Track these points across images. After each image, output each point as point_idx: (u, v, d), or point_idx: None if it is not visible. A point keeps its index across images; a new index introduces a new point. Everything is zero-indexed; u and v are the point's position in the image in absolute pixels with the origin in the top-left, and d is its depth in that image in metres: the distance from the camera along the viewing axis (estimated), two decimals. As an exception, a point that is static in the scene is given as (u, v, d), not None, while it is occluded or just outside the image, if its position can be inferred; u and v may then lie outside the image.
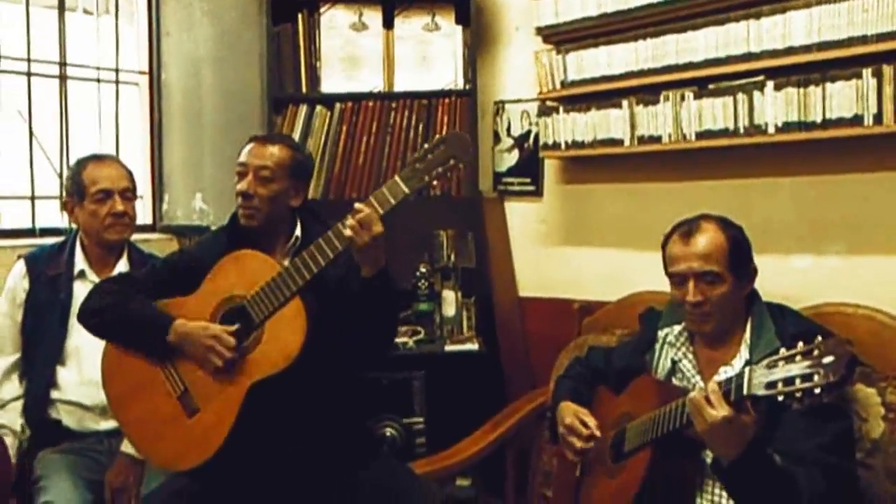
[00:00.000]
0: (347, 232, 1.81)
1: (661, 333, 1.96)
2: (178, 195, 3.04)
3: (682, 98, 2.37)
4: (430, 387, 2.73)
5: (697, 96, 2.34)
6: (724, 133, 2.29)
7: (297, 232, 2.02)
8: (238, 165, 1.99)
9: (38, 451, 2.20)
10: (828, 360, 1.37)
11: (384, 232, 1.81)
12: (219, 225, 2.29)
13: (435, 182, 1.86)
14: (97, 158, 2.34)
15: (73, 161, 2.40)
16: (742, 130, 2.25)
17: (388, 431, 2.65)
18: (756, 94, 2.21)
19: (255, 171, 1.95)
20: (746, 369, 1.50)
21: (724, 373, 1.76)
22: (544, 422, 2.35)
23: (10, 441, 2.19)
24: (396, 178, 1.85)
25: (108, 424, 2.19)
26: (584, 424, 1.94)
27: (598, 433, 1.91)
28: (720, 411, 1.50)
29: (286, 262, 1.91)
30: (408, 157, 2.82)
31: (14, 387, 2.25)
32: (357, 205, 1.83)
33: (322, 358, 1.87)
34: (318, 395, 1.94)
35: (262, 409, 1.87)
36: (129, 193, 2.30)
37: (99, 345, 2.03)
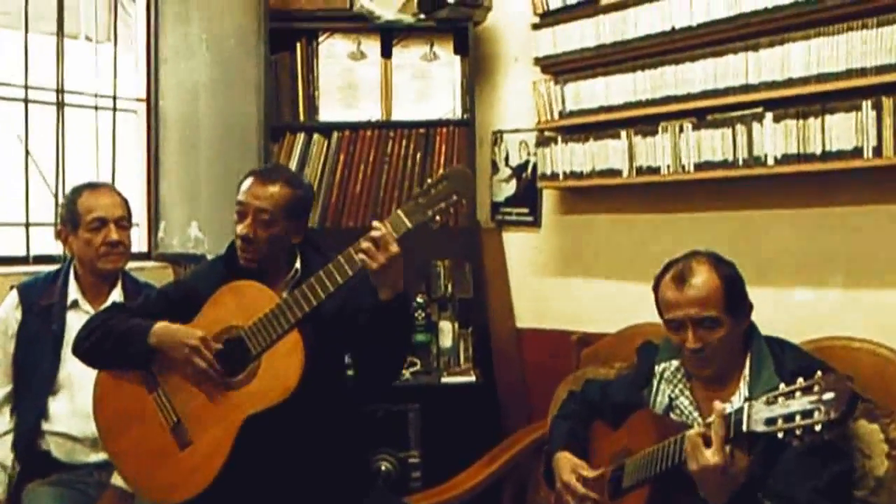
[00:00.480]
0: (360, 256, 1.79)
1: (658, 369, 1.93)
2: (174, 223, 3.02)
3: (681, 129, 2.37)
4: (426, 419, 2.68)
5: (696, 127, 2.33)
6: (722, 164, 2.27)
7: (297, 265, 1.99)
8: (237, 205, 1.96)
9: (27, 483, 2.16)
10: (828, 396, 1.34)
11: (400, 253, 1.79)
12: (215, 254, 2.27)
13: (437, 218, 1.84)
14: (92, 187, 2.32)
15: (68, 188, 2.38)
16: (741, 162, 2.24)
17: (384, 465, 2.61)
18: (755, 125, 2.20)
19: (254, 214, 1.93)
20: (745, 405, 1.47)
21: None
22: (542, 456, 2.31)
23: (0, 477, 2.15)
24: (399, 211, 1.83)
25: (99, 457, 2.15)
26: (583, 481, 1.89)
27: (595, 494, 1.86)
28: (714, 457, 1.47)
29: (284, 294, 1.89)
30: (405, 187, 2.86)
31: (5, 420, 2.22)
32: (375, 223, 1.81)
33: (319, 391, 1.84)
34: (314, 429, 1.91)
35: (257, 443, 1.84)
36: (125, 222, 2.28)
37: (92, 376, 2.01)
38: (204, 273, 2.09)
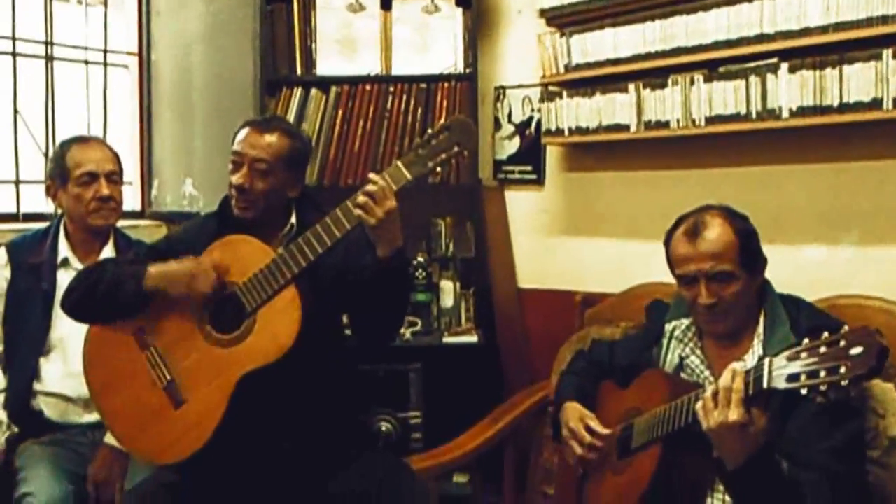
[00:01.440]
0: (357, 211, 1.73)
1: (668, 327, 1.88)
2: (168, 180, 2.96)
3: (692, 82, 2.29)
4: (427, 380, 2.65)
5: (707, 80, 2.26)
6: (735, 118, 2.20)
7: (293, 220, 1.93)
8: (233, 154, 1.89)
9: (20, 444, 2.11)
10: (856, 350, 1.28)
11: (397, 208, 1.74)
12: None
13: (438, 169, 1.78)
14: (82, 140, 2.24)
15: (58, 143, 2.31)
16: (754, 115, 2.16)
17: (384, 426, 2.57)
18: (769, 77, 2.12)
19: (250, 163, 1.86)
20: (766, 361, 1.41)
21: None
22: (545, 417, 2.27)
23: (-3, 435, 2.11)
24: (398, 162, 1.77)
25: (92, 417, 2.11)
26: (589, 430, 1.85)
27: (600, 442, 1.83)
28: (734, 416, 1.41)
29: (280, 250, 1.82)
30: (405, 144, 2.78)
31: (5, 379, 2.16)
32: (371, 175, 1.75)
33: (316, 349, 1.79)
34: (311, 387, 1.86)
35: (252, 401, 1.79)
36: (116, 177, 2.21)
37: (83, 335, 1.94)
38: (196, 229, 2.02)
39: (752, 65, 2.16)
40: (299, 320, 1.76)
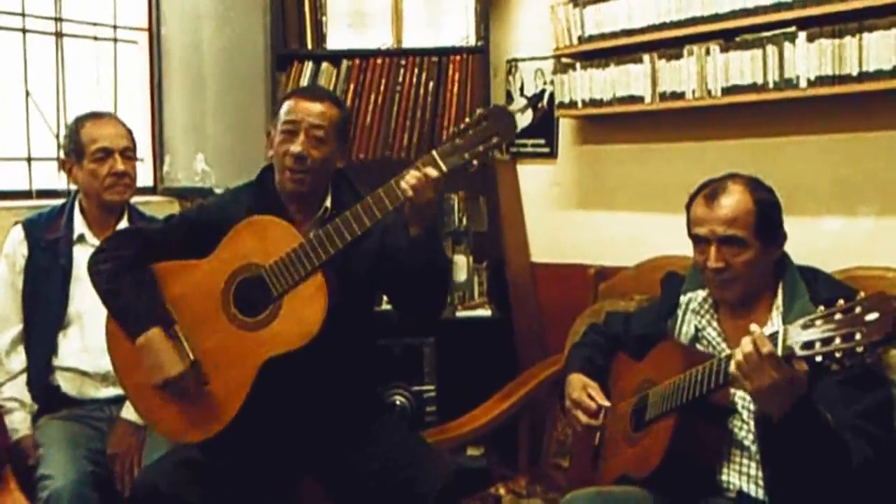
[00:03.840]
0: (410, 193, 1.69)
1: (683, 299, 1.87)
2: (180, 156, 2.95)
3: (707, 52, 2.26)
4: (441, 353, 2.66)
5: (724, 49, 2.22)
6: (752, 88, 2.17)
7: (328, 202, 1.90)
8: (286, 123, 1.84)
9: (38, 419, 2.13)
10: (871, 317, 1.27)
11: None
12: (223, 187, 2.19)
13: (475, 162, 1.75)
14: (95, 116, 2.24)
15: (70, 120, 2.30)
16: (771, 85, 2.13)
17: (398, 399, 2.58)
18: (787, 45, 2.09)
19: (307, 130, 1.82)
20: (780, 329, 1.40)
21: None
22: (558, 390, 2.28)
23: (21, 414, 2.12)
24: (434, 153, 1.74)
25: (109, 392, 2.12)
26: (592, 399, 1.85)
27: (606, 405, 1.84)
28: (778, 370, 1.36)
29: (311, 234, 1.79)
30: (417, 118, 2.76)
31: (21, 358, 2.17)
32: (436, 151, 1.73)
33: (341, 332, 1.77)
34: (334, 365, 1.86)
35: (274, 384, 1.79)
36: (130, 153, 2.21)
37: (101, 310, 1.94)
38: (229, 202, 1.97)
39: (770, 34, 2.12)
40: (326, 308, 1.74)
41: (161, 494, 1.77)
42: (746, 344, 1.41)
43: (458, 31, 2.85)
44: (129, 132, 2.24)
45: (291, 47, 2.83)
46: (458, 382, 2.58)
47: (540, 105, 2.90)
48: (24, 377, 2.16)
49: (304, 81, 2.80)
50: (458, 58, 2.80)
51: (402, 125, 2.79)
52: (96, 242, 2.16)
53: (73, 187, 2.26)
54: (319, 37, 2.84)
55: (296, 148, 1.82)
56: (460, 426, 2.33)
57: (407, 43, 2.85)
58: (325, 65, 2.82)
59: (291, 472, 1.90)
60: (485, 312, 2.74)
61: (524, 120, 2.94)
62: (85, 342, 2.13)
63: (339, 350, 1.83)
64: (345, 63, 2.82)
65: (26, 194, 2.69)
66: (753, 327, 1.43)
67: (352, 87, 2.81)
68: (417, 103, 2.79)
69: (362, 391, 1.99)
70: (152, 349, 1.82)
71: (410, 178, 1.70)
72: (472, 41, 2.83)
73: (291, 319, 1.77)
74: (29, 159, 2.75)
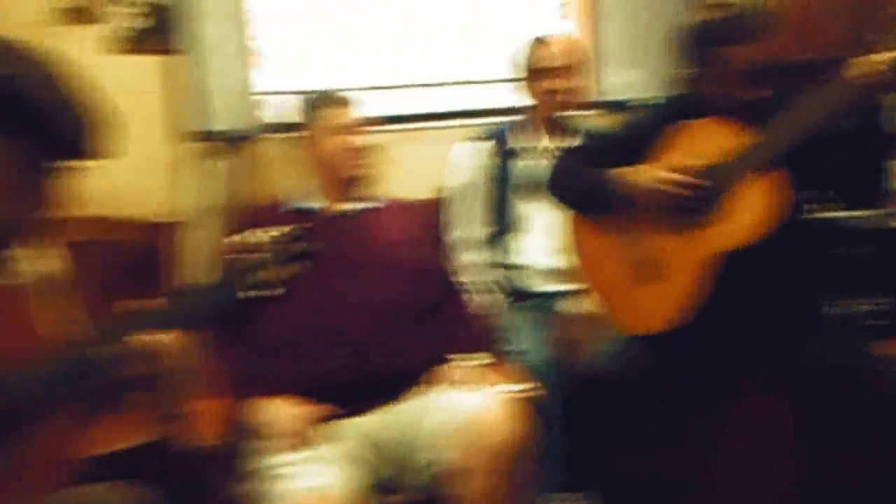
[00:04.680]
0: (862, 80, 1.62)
1: None
2: (615, 68, 3.01)
3: None
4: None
5: None
6: None
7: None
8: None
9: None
10: None
11: None
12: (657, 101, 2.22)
13: None
14: (541, 39, 2.49)
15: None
16: None
17: (853, 308, 2.39)
18: None
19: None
20: None
21: None
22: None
23: (498, 298, 2.41)
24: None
25: (557, 287, 2.37)
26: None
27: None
28: None
29: (751, 135, 1.79)
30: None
31: (491, 254, 2.48)
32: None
33: (787, 233, 1.77)
34: (775, 274, 1.85)
35: (724, 283, 1.83)
36: (571, 71, 2.44)
37: (544, 215, 2.23)
38: (654, 117, 2.03)
39: None
40: (777, 204, 1.75)
41: (606, 383, 1.96)
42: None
43: None
44: (575, 51, 2.46)
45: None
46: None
47: None
48: (496, 270, 2.47)
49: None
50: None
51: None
52: (549, 147, 2.43)
53: (528, 103, 2.51)
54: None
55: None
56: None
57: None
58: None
59: (733, 374, 1.92)
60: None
61: None
62: (536, 241, 2.42)
63: (786, 252, 1.81)
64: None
65: (487, 113, 2.92)
66: None
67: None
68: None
69: (801, 300, 1.94)
70: (626, 181, 1.90)
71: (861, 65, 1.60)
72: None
73: (740, 217, 1.79)
74: (480, 82, 3.04)
